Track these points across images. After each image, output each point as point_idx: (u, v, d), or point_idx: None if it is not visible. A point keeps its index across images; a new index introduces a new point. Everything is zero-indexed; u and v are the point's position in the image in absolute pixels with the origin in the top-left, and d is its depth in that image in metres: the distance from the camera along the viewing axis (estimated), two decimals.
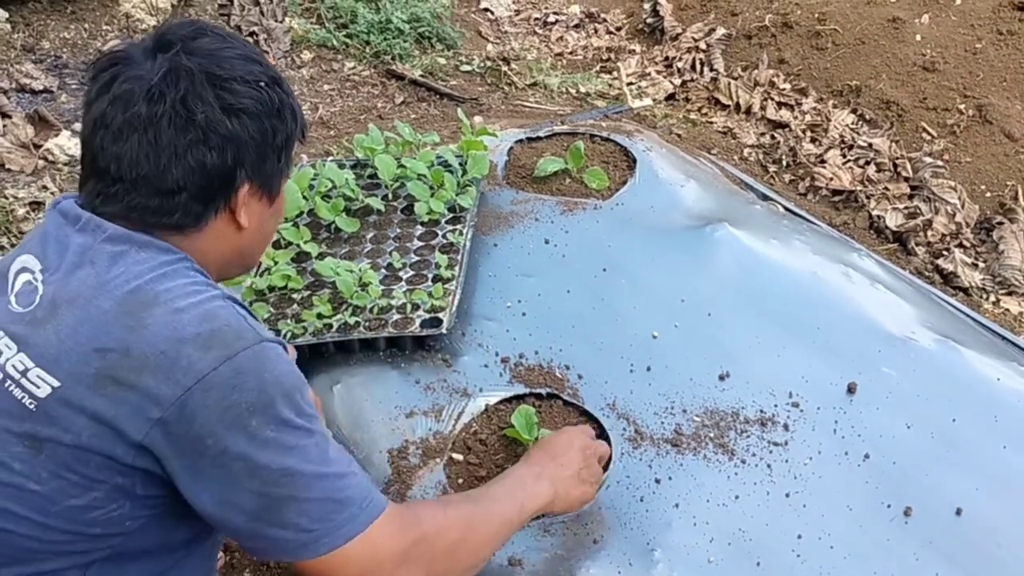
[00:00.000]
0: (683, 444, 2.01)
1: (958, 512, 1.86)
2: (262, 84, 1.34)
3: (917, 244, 3.43)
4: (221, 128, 1.28)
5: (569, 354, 2.24)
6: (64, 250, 1.29)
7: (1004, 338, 2.45)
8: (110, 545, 1.29)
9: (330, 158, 2.85)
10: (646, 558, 1.76)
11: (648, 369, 2.20)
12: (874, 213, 3.53)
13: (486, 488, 1.57)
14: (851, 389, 2.13)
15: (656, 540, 1.80)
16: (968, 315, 2.56)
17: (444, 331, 2.21)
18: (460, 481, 1.96)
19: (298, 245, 2.44)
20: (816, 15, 4.28)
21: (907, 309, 2.38)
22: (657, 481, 1.93)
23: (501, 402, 2.13)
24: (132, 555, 1.32)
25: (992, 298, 3.29)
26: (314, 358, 2.24)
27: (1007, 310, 3.27)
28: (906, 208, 3.54)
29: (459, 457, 2.02)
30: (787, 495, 1.89)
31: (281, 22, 4.23)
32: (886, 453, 1.97)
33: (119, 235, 1.28)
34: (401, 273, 2.39)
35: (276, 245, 2.47)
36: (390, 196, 2.66)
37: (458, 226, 2.52)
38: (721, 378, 2.16)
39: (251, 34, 4.17)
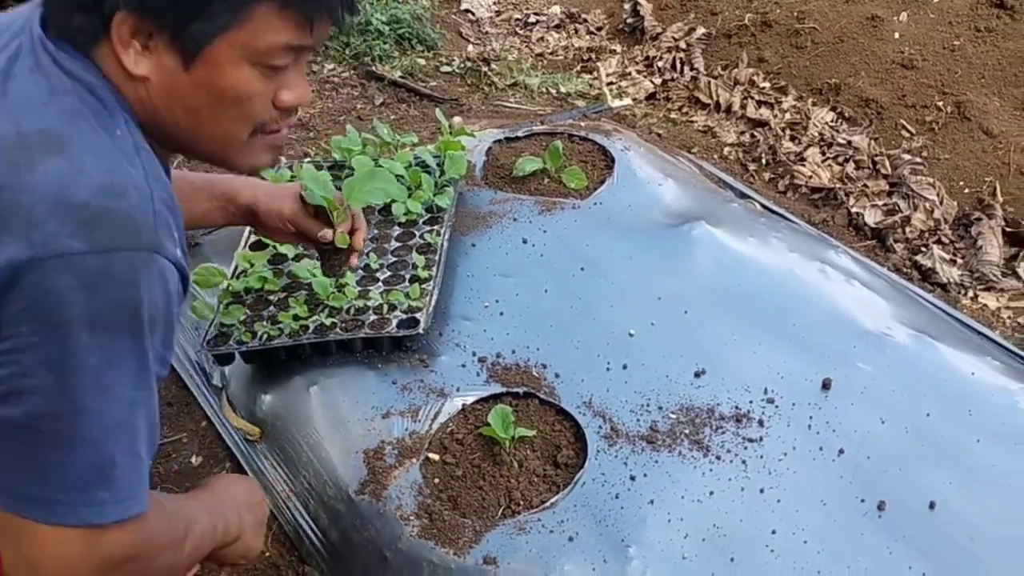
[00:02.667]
0: (658, 441, 2.02)
1: (931, 506, 1.87)
2: None
3: (896, 241, 3.44)
4: None
5: (546, 353, 2.25)
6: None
7: (979, 333, 2.47)
8: None
9: (307, 160, 2.85)
10: (620, 555, 1.77)
11: (624, 367, 2.20)
12: (853, 210, 3.54)
13: (195, 518, 1.27)
14: (826, 385, 2.14)
15: (631, 537, 1.80)
16: (944, 310, 2.57)
17: (421, 331, 2.21)
18: (436, 480, 1.96)
19: (275, 247, 2.44)
20: (795, 14, 4.30)
21: (883, 305, 2.39)
22: (632, 478, 1.93)
23: (478, 402, 2.13)
24: None
25: (970, 294, 3.30)
26: (291, 360, 2.24)
27: (985, 305, 3.28)
28: (885, 205, 3.56)
29: (435, 457, 2.02)
30: (761, 491, 1.90)
31: None
32: (860, 448, 1.98)
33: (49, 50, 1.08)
34: (378, 274, 2.39)
35: (253, 247, 2.46)
36: None
37: (436, 226, 2.52)
38: (697, 375, 2.17)
39: None
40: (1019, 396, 2.10)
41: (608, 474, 1.94)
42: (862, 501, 1.87)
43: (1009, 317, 3.15)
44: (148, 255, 1.02)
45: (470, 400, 2.13)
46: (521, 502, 1.90)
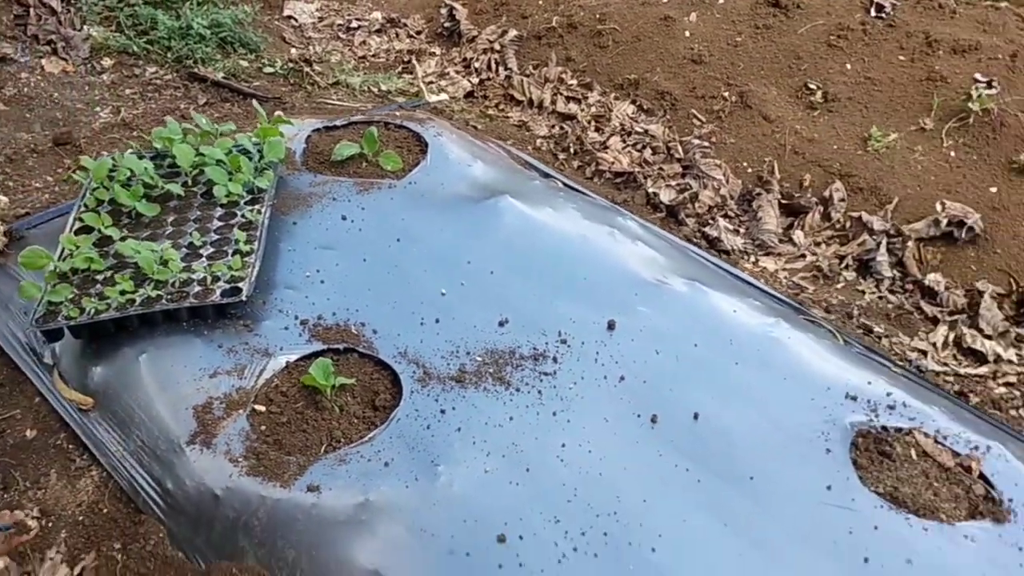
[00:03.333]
0: (466, 380, 2.26)
1: (695, 417, 2.18)
2: None
3: (687, 215, 3.83)
4: None
5: (365, 314, 2.46)
6: None
7: (744, 280, 2.83)
8: None
9: (129, 150, 2.96)
10: (431, 473, 1.99)
11: (437, 321, 2.43)
12: (650, 191, 3.90)
13: None
14: (611, 326, 2.43)
15: (440, 458, 2.03)
16: (715, 263, 2.93)
17: (244, 298, 2.37)
18: (263, 428, 2.14)
19: (99, 230, 2.55)
20: (597, 16, 4.68)
21: (663, 261, 2.72)
22: (442, 411, 2.16)
23: (301, 359, 2.32)
24: None
25: (752, 259, 3.71)
26: (119, 333, 2.36)
27: (765, 268, 3.70)
28: (678, 185, 3.94)
29: (261, 408, 2.19)
30: (554, 413, 2.17)
31: (80, 30, 4.26)
32: (638, 375, 2.28)
33: None
34: (202, 251, 2.53)
35: (78, 232, 2.56)
36: (190, 182, 2.79)
37: (256, 205, 2.69)
38: (501, 324, 2.43)
39: (49, 42, 4.18)
40: (772, 328, 2.46)
41: (421, 410, 2.16)
42: (638, 416, 2.17)
43: (785, 277, 3.55)
44: None
45: (293, 358, 2.31)
46: (342, 439, 2.10)
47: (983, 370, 2.98)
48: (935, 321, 3.16)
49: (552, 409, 2.18)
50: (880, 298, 3.33)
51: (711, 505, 1.95)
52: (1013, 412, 2.69)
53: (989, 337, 3.11)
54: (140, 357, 2.31)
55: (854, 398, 2.22)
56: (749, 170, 3.98)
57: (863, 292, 3.39)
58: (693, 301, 2.55)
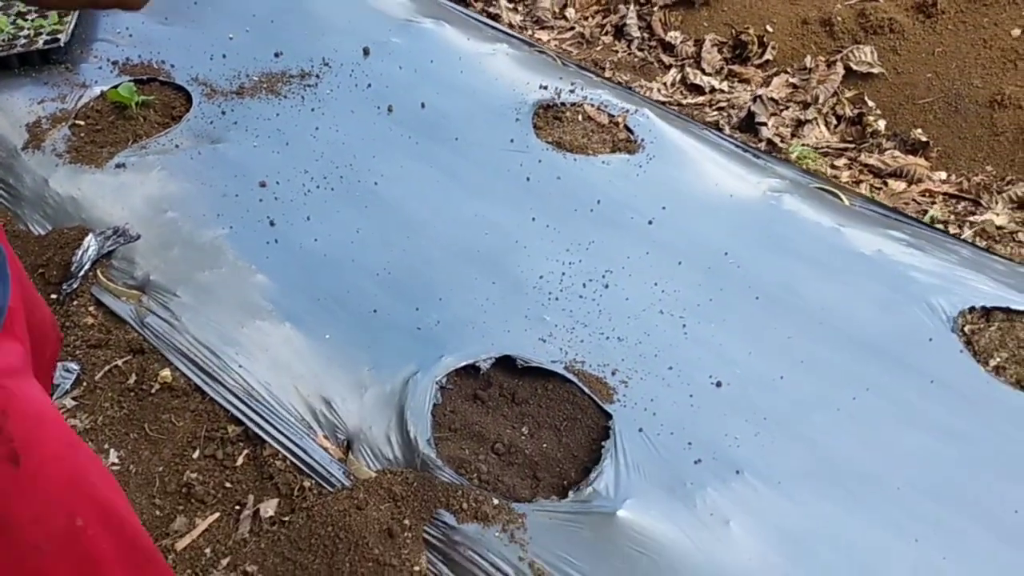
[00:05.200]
0: (244, 93, 2.89)
1: (422, 105, 2.86)
2: None
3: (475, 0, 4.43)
4: None
5: (165, 55, 3.05)
6: None
7: (483, 23, 3.49)
8: None
9: None
10: (211, 148, 2.65)
11: (224, 56, 3.05)
12: None
13: None
14: (366, 52, 3.08)
15: (219, 140, 2.69)
16: (459, 11, 3.57)
17: (62, 45, 2.94)
18: (82, 134, 2.74)
19: None
20: None
21: (415, 7, 3.36)
22: (223, 113, 2.80)
23: (112, 87, 2.91)
24: None
25: (529, 32, 4.36)
26: None
27: (539, 39, 4.35)
28: None
29: (80, 122, 2.79)
30: (312, 110, 2.83)
31: None
32: (383, 83, 2.95)
33: None
34: (27, 15, 3.08)
35: None
36: None
37: None
38: (276, 55, 3.05)
39: None
40: (493, 51, 3.13)
41: (207, 113, 2.80)
42: (378, 108, 2.84)
43: (556, 44, 4.21)
44: None
45: (106, 88, 2.90)
46: (143, 136, 2.73)
47: (701, 99, 3.72)
48: (669, 68, 3.88)
49: (311, 107, 2.84)
50: (629, 55, 4.03)
51: (423, 157, 2.65)
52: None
53: (708, 74, 3.86)
54: None
55: (544, 88, 2.93)
56: None
57: (616, 51, 4.08)
58: (435, 34, 3.20)
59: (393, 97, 2.88)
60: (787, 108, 3.58)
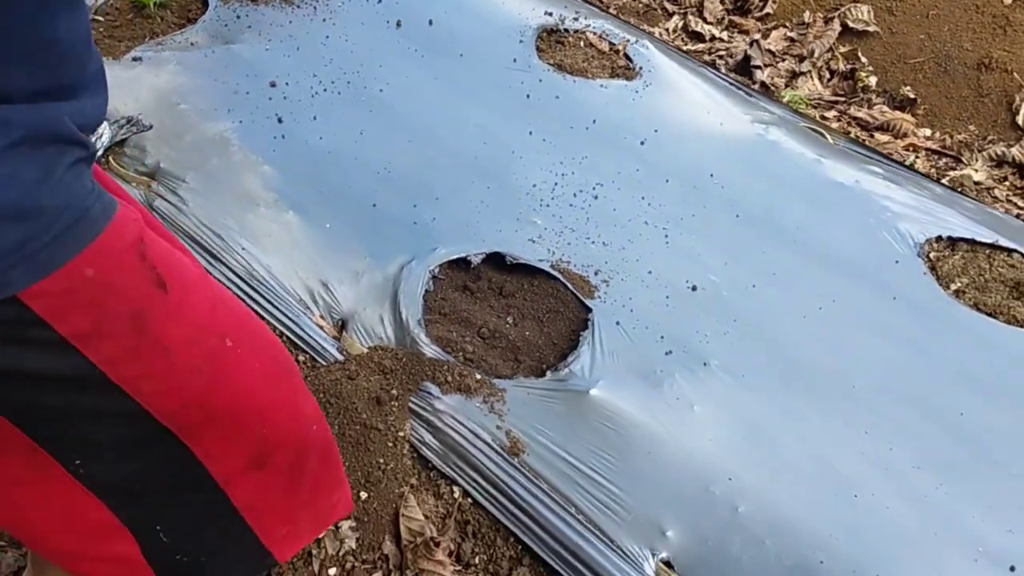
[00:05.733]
0: (259, 1, 2.98)
1: (430, 23, 2.96)
2: None
3: None
4: None
5: None
6: None
7: None
8: None
9: None
10: (224, 48, 2.74)
11: None
12: None
13: None
14: None
15: (232, 40, 2.78)
16: None
17: None
18: (101, 30, 2.83)
19: None
20: None
21: None
22: (238, 17, 2.89)
23: None
24: None
25: None
26: None
27: None
28: None
29: (100, 18, 2.88)
30: (324, 20, 2.92)
31: None
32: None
33: None
34: None
35: None
36: None
37: None
38: None
39: None
40: None
41: (222, 17, 2.89)
42: (387, 22, 2.94)
43: None
44: None
45: None
46: (160, 35, 2.82)
47: (700, 47, 3.82)
48: (672, 15, 3.97)
49: (323, 17, 2.93)
50: (634, 0, 4.11)
51: (428, 67, 2.76)
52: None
53: (709, 23, 3.95)
54: None
55: (550, 14, 3.03)
56: None
57: None
58: None
59: (402, 13, 2.98)
60: (783, 60, 3.69)
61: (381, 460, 1.85)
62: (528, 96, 2.67)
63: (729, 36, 3.90)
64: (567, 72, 2.79)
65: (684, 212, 2.34)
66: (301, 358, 2.05)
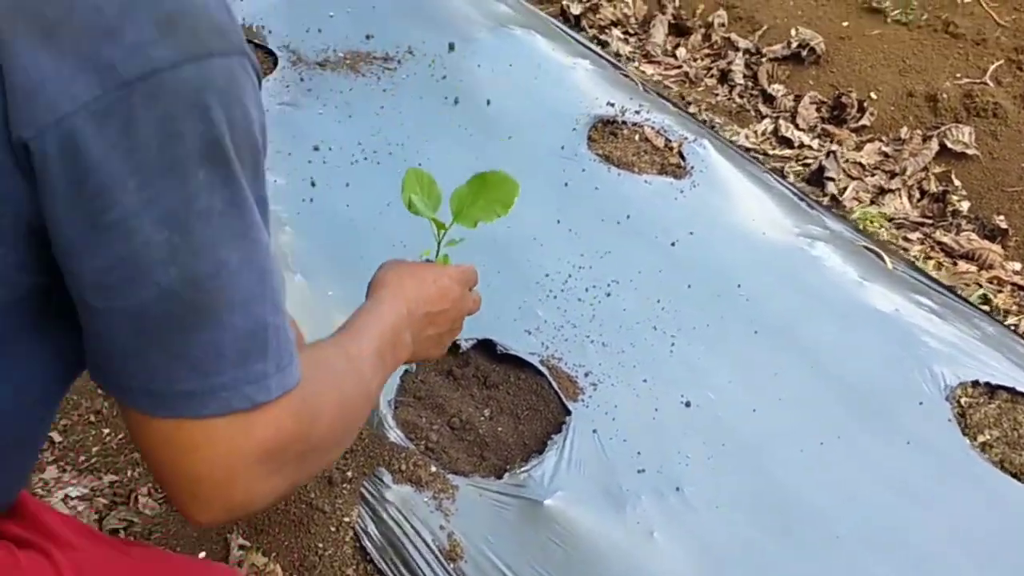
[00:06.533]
0: (327, 66, 3.06)
1: (488, 103, 2.95)
2: None
3: (589, 25, 4.52)
4: None
5: (266, 21, 3.25)
6: None
7: (576, 40, 3.55)
8: None
9: None
10: (278, 109, 2.80)
11: (319, 31, 3.23)
12: (564, 3, 4.60)
13: (358, 355, 1.03)
14: (451, 47, 3.20)
15: (288, 103, 2.84)
16: (558, 26, 3.65)
17: None
18: None
19: None
20: None
21: (513, 15, 3.46)
22: (301, 79, 2.97)
23: None
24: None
25: (636, 63, 4.41)
26: None
27: (644, 71, 4.40)
28: (588, 1, 4.63)
29: None
30: (384, 90, 2.96)
31: None
32: (458, 77, 3.07)
33: None
34: None
35: None
36: None
37: None
38: (367, 37, 3.21)
39: None
40: (574, 64, 3.19)
41: (287, 78, 2.98)
42: (445, 98, 2.95)
43: (659, 78, 4.25)
44: (242, 59, 0.76)
45: None
46: None
47: (788, 152, 3.69)
48: (764, 117, 3.87)
49: (383, 88, 2.97)
50: (728, 99, 4.03)
51: (473, 147, 2.74)
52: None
53: (801, 130, 3.82)
54: None
55: (612, 104, 2.97)
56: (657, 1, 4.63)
57: (717, 95, 4.09)
58: (523, 41, 3.29)
59: (463, 90, 2.99)
60: (873, 175, 3.51)
61: (320, 545, 1.77)
62: (567, 184, 2.61)
63: (820, 144, 3.74)
64: (613, 164, 2.72)
65: (699, 321, 2.20)
66: None
